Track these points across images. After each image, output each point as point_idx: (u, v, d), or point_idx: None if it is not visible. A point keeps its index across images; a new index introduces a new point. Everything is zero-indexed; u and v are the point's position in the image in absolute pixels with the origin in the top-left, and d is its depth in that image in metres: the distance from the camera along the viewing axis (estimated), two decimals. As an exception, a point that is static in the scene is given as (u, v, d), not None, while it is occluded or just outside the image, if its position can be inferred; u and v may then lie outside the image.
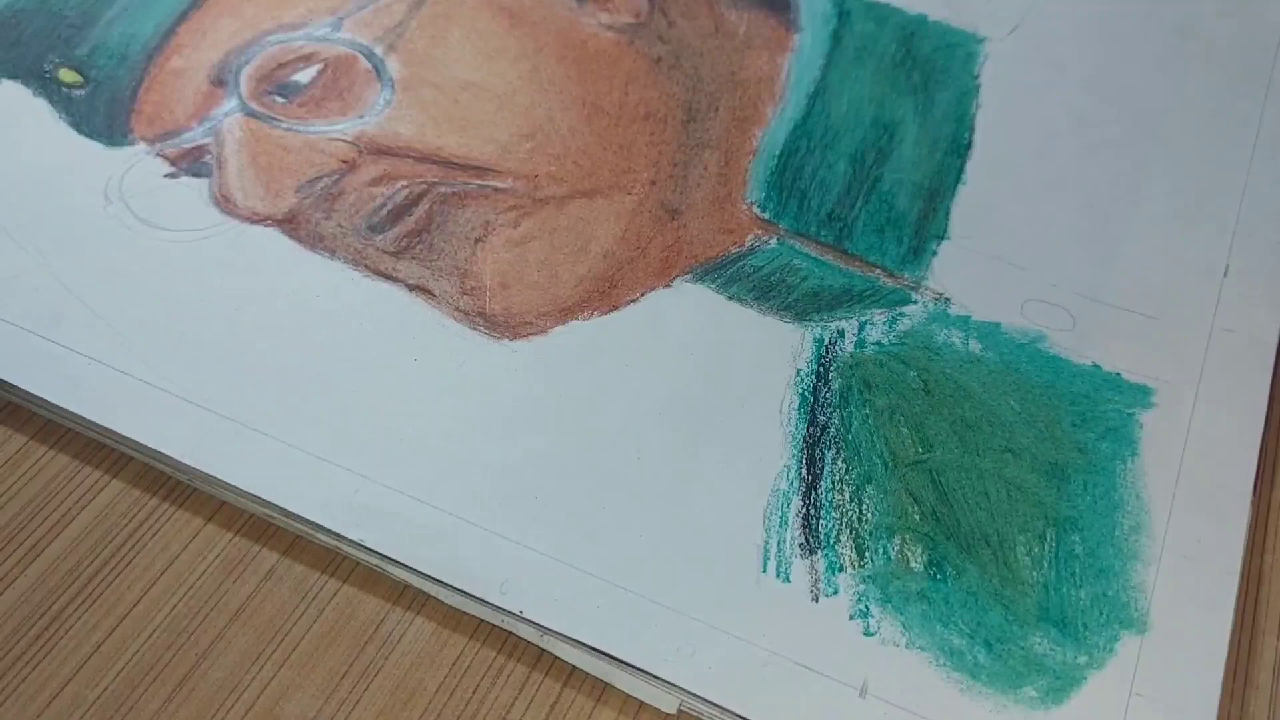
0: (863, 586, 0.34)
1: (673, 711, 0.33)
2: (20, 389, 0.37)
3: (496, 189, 0.43)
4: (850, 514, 0.35)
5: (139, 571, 0.35)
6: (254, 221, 0.41)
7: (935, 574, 0.34)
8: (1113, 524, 0.35)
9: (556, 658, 0.34)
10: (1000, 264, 0.42)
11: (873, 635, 0.33)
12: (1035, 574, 0.34)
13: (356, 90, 0.45)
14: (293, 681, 0.33)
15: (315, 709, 0.33)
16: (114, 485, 0.36)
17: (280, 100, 0.44)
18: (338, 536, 0.34)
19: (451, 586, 0.33)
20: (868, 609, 0.33)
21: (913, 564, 0.34)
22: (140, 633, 0.34)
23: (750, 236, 0.42)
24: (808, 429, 0.37)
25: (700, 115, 0.46)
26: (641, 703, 0.33)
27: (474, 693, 0.33)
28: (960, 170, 0.45)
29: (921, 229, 0.43)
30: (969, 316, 0.40)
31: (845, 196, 0.43)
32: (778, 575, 0.34)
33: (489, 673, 0.34)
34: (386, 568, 0.34)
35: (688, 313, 0.40)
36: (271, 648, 0.34)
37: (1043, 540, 0.35)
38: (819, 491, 0.35)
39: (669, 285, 0.41)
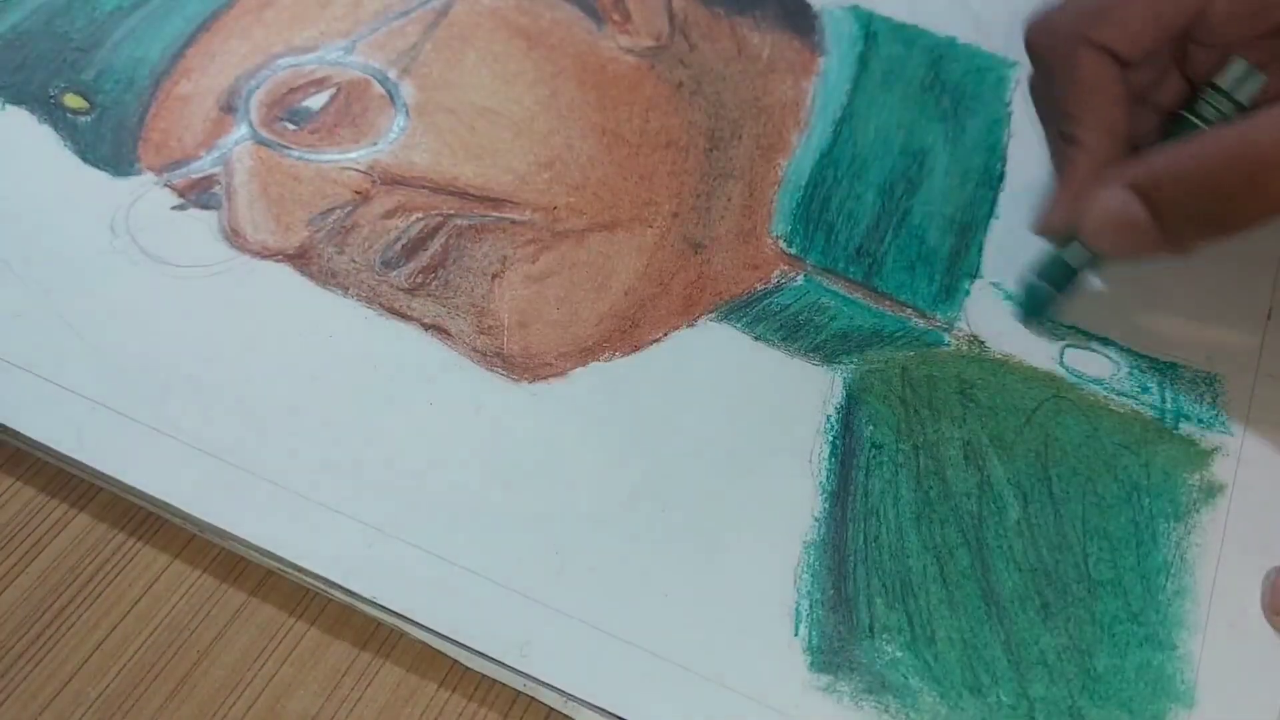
0: (899, 654, 0.32)
1: (699, 780, 0.32)
2: (21, 434, 0.35)
3: (514, 221, 0.41)
4: (885, 574, 0.34)
5: (140, 570, 0.34)
6: (264, 256, 0.40)
7: (974, 640, 0.33)
8: (1156, 588, 0.34)
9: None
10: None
11: (911, 706, 0.32)
12: (1079, 641, 0.33)
13: (370, 116, 0.44)
14: (294, 680, 0.33)
15: (316, 707, 0.32)
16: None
17: (291, 127, 0.43)
18: (351, 593, 0.33)
19: (469, 648, 0.32)
20: (905, 678, 0.32)
21: (951, 629, 0.33)
22: (141, 631, 0.33)
23: (776, 272, 0.41)
24: (839, 480, 0.36)
25: (723, 143, 0.44)
26: (667, 770, 0.32)
27: (475, 690, 0.33)
28: (993, 203, 0.43)
29: (953, 266, 0.41)
30: (1004, 361, 0.39)
31: (874, 230, 0.42)
32: (810, 639, 0.32)
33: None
34: (402, 625, 0.33)
35: (713, 354, 0.38)
36: (273, 645, 0.33)
37: (1085, 604, 0.33)
38: (852, 548, 0.34)
39: (693, 324, 0.39)
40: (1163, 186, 0.34)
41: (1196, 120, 0.37)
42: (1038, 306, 0.39)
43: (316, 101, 0.44)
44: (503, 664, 0.32)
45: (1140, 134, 0.39)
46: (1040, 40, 0.39)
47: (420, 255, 0.40)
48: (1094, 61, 0.37)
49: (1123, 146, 0.37)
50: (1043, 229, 0.38)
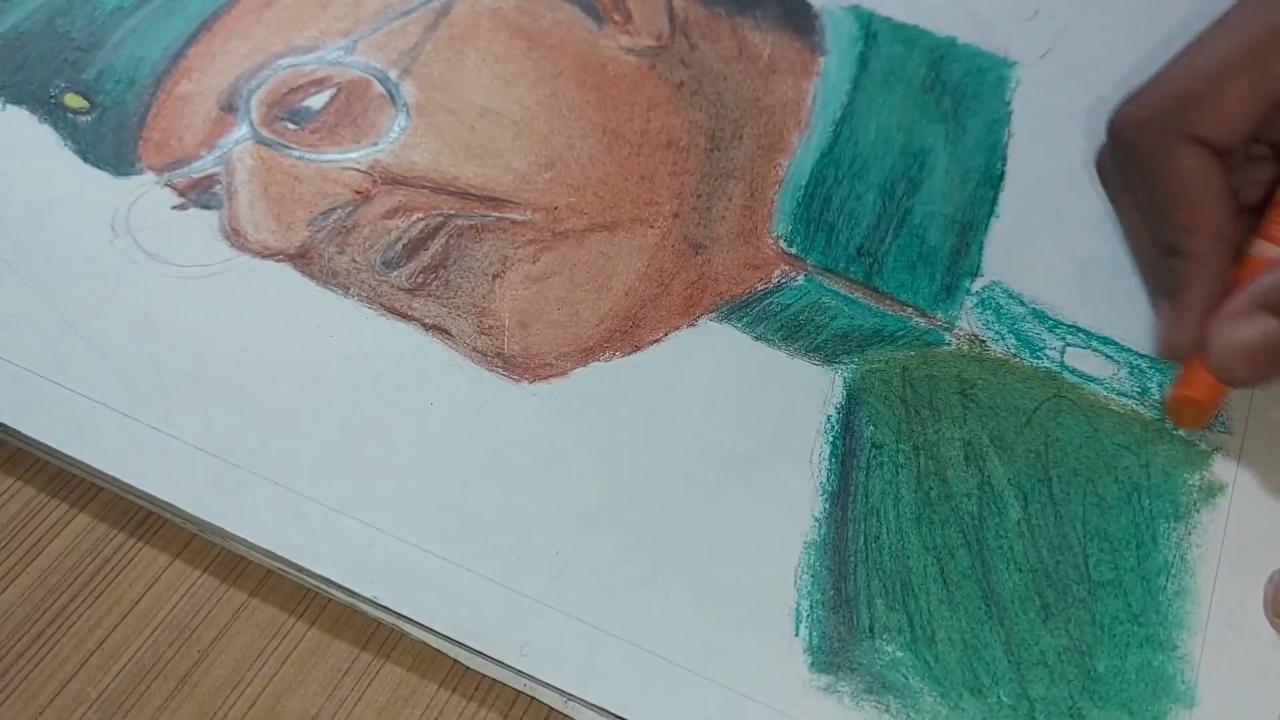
0: (900, 654, 0.32)
1: (699, 780, 0.32)
2: (21, 434, 0.35)
3: (515, 221, 0.41)
4: (886, 574, 0.34)
5: (140, 570, 0.34)
6: (265, 256, 0.40)
7: (975, 641, 0.33)
8: (1156, 589, 0.34)
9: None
10: (1036, 304, 0.40)
11: (912, 706, 0.31)
12: (1079, 642, 0.33)
13: (370, 116, 0.44)
14: (294, 680, 0.33)
15: (317, 707, 0.32)
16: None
17: (292, 127, 0.43)
18: (351, 593, 0.33)
19: (469, 648, 0.32)
20: (905, 678, 0.32)
21: (952, 630, 0.33)
22: (142, 631, 0.33)
23: (777, 272, 0.41)
24: (840, 480, 0.36)
25: (724, 143, 0.44)
26: (667, 770, 0.32)
27: (475, 690, 0.33)
28: (993, 202, 0.43)
29: (954, 265, 0.41)
30: (1004, 361, 0.39)
31: (874, 230, 0.42)
32: (810, 639, 0.32)
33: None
34: (402, 625, 0.33)
35: (713, 354, 0.38)
36: (273, 645, 0.33)
37: (1086, 605, 0.33)
38: (853, 549, 0.34)
39: (693, 324, 0.39)
40: None
41: None
42: None
43: (317, 101, 0.44)
44: (503, 664, 0.32)
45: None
46: (1133, 135, 0.35)
47: (421, 255, 0.40)
48: (1197, 161, 0.34)
49: (1232, 249, 0.35)
50: (1168, 354, 0.36)
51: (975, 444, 0.36)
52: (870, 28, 0.48)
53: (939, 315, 0.40)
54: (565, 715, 0.32)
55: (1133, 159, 0.36)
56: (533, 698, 0.33)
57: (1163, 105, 0.35)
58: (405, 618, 0.33)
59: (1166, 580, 0.34)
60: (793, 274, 0.41)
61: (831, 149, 0.44)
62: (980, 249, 0.42)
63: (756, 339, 0.39)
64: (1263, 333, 0.32)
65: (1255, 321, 0.32)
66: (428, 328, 0.38)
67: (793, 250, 0.41)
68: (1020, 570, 0.34)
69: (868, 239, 0.42)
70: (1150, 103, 0.35)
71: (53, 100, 0.43)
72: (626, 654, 0.32)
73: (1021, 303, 0.40)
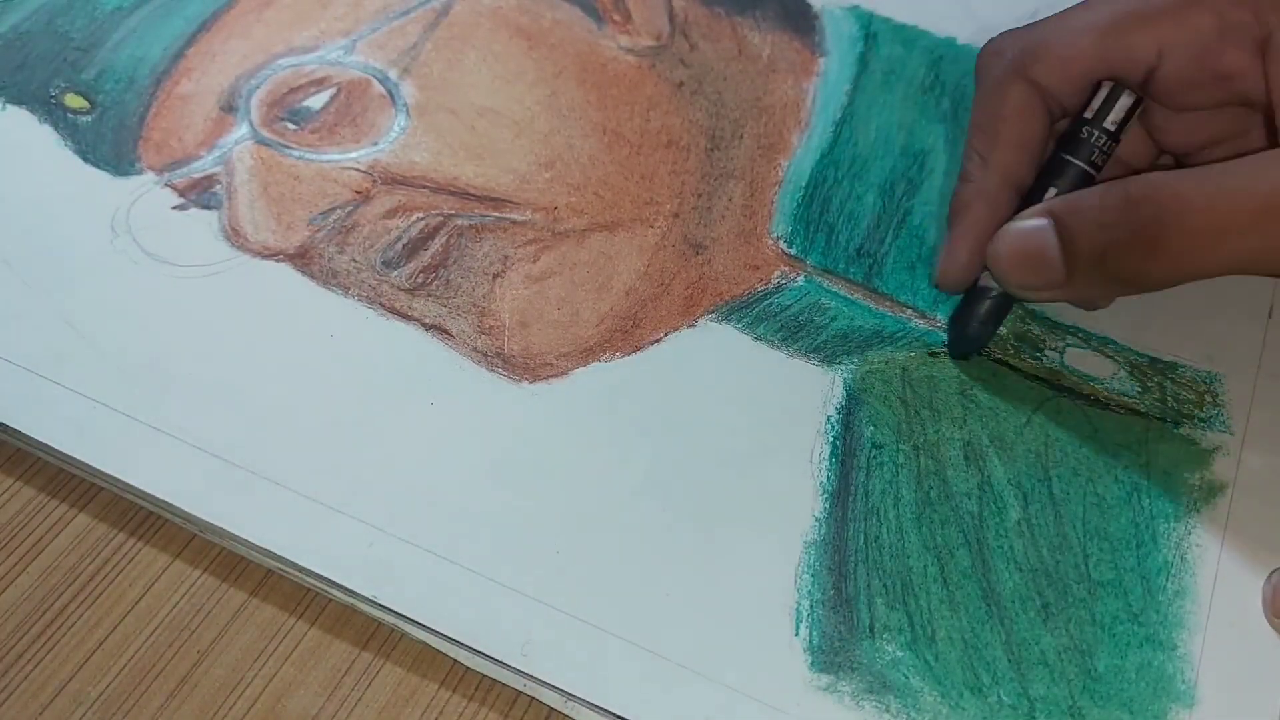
0: (900, 654, 0.32)
1: (699, 780, 0.32)
2: (21, 434, 0.35)
3: (515, 221, 0.41)
4: (886, 574, 0.34)
5: (140, 570, 0.34)
6: (265, 256, 0.40)
7: (975, 640, 0.33)
8: (1156, 588, 0.34)
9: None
10: (1037, 306, 0.40)
11: (912, 705, 0.31)
12: (1079, 641, 0.33)
13: (370, 116, 0.44)
14: (294, 679, 0.33)
15: (317, 707, 0.32)
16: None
17: (292, 127, 0.43)
18: (351, 593, 0.33)
19: (469, 648, 0.32)
20: (906, 678, 0.32)
21: (952, 629, 0.33)
22: (142, 631, 0.33)
23: (777, 273, 0.41)
24: (840, 480, 0.36)
25: (724, 143, 0.44)
26: (667, 770, 0.32)
27: (475, 690, 0.33)
28: (993, 203, 0.43)
29: (954, 266, 0.41)
30: (1005, 361, 0.39)
31: (874, 231, 0.42)
32: (811, 639, 0.32)
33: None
34: (402, 625, 0.33)
35: (713, 354, 0.38)
36: (274, 645, 0.33)
37: (1086, 604, 0.33)
38: (853, 548, 0.34)
39: (693, 325, 0.39)
40: (1071, 220, 0.32)
41: (1073, 160, 0.36)
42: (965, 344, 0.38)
43: (317, 101, 0.44)
44: (503, 664, 0.32)
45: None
46: (985, 62, 0.37)
47: (421, 255, 0.40)
48: (1021, 99, 0.36)
49: (1013, 193, 0.36)
50: (939, 283, 0.37)
51: (975, 444, 0.36)
52: (870, 28, 0.49)
53: (939, 316, 0.40)
54: (565, 715, 0.32)
55: (978, 85, 0.37)
56: (533, 698, 0.33)
57: (1019, 42, 0.36)
58: (405, 618, 0.33)
59: (1166, 580, 0.34)
60: (793, 275, 0.41)
61: (831, 149, 0.44)
62: (980, 249, 0.42)
63: (756, 339, 0.39)
64: (1033, 230, 0.33)
65: (1032, 222, 0.33)
66: (428, 328, 0.38)
67: (792, 251, 0.41)
68: (1020, 570, 0.34)
69: (867, 240, 0.42)
70: (1012, 38, 0.37)
71: (53, 100, 0.43)
72: (626, 654, 0.32)
73: (1020, 304, 0.40)
